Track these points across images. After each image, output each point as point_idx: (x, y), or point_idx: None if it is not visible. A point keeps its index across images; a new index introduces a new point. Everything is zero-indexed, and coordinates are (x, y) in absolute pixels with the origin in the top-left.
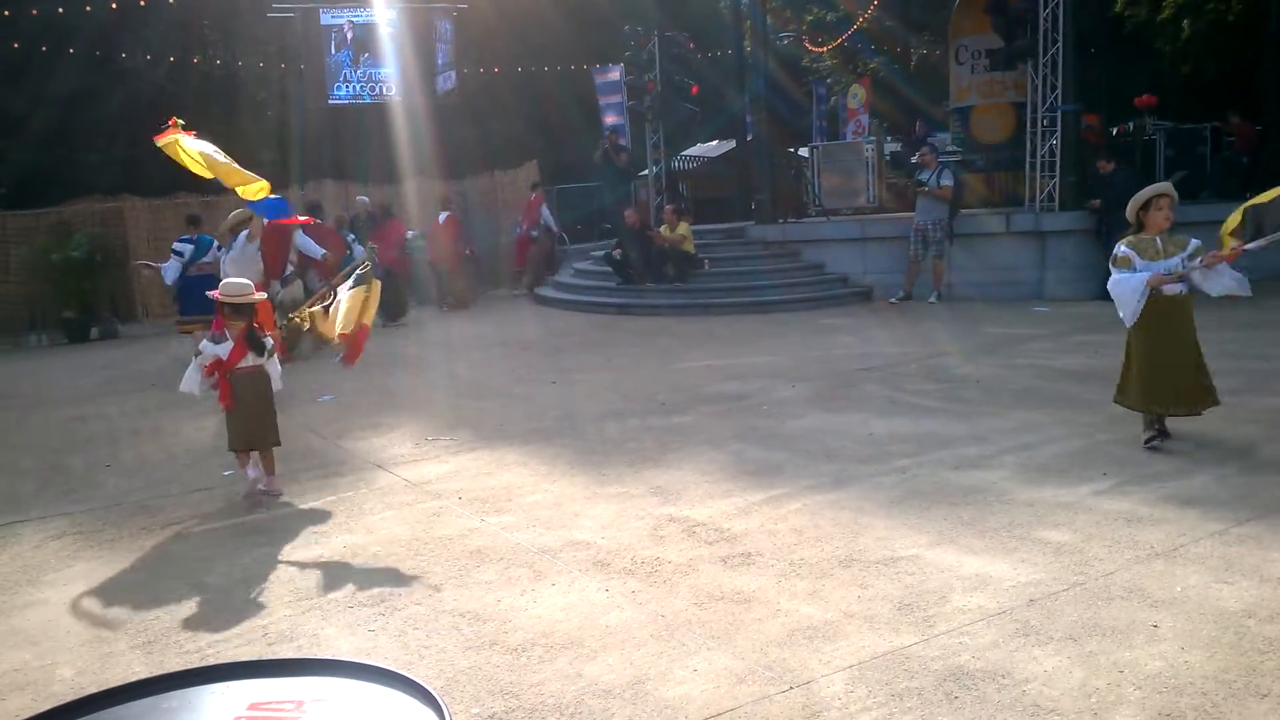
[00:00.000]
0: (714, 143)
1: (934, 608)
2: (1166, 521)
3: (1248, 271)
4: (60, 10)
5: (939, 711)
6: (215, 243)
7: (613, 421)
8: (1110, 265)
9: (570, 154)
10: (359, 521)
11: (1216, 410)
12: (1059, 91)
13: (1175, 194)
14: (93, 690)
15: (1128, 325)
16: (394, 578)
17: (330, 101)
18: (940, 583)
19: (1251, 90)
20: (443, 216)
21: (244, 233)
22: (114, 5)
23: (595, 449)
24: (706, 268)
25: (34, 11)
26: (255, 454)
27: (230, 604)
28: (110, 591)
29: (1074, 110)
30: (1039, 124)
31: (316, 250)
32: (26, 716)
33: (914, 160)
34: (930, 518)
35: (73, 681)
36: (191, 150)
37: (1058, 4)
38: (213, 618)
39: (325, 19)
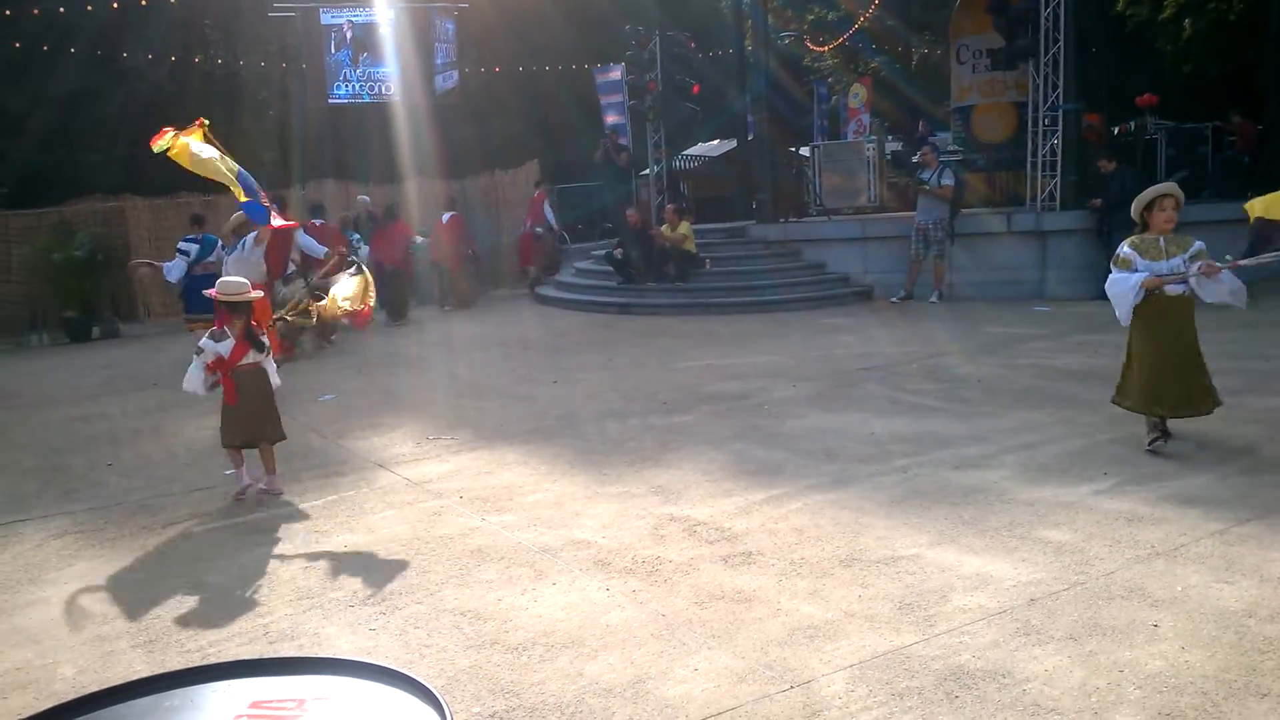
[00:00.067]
0: (715, 142)
1: (934, 607)
2: (1167, 521)
3: (1246, 273)
4: (61, 10)
5: (939, 711)
6: (220, 242)
7: (613, 421)
8: (1111, 265)
9: (571, 153)
10: (360, 521)
11: (1217, 410)
12: (1060, 91)
13: (1181, 195)
14: (94, 689)
15: (1123, 324)
16: (395, 577)
17: (330, 101)
18: (941, 582)
19: (1253, 89)
20: (446, 216)
21: (252, 235)
22: (115, 5)
23: (596, 448)
24: (707, 267)
25: (35, 11)
26: (245, 456)
27: (231, 603)
28: (111, 590)
29: (1075, 110)
30: (1040, 123)
31: (319, 250)
32: (28, 715)
33: (915, 160)
34: (931, 517)
35: (74, 680)
36: (199, 154)
37: (1059, 3)
38: (214, 616)
39: (325, 19)
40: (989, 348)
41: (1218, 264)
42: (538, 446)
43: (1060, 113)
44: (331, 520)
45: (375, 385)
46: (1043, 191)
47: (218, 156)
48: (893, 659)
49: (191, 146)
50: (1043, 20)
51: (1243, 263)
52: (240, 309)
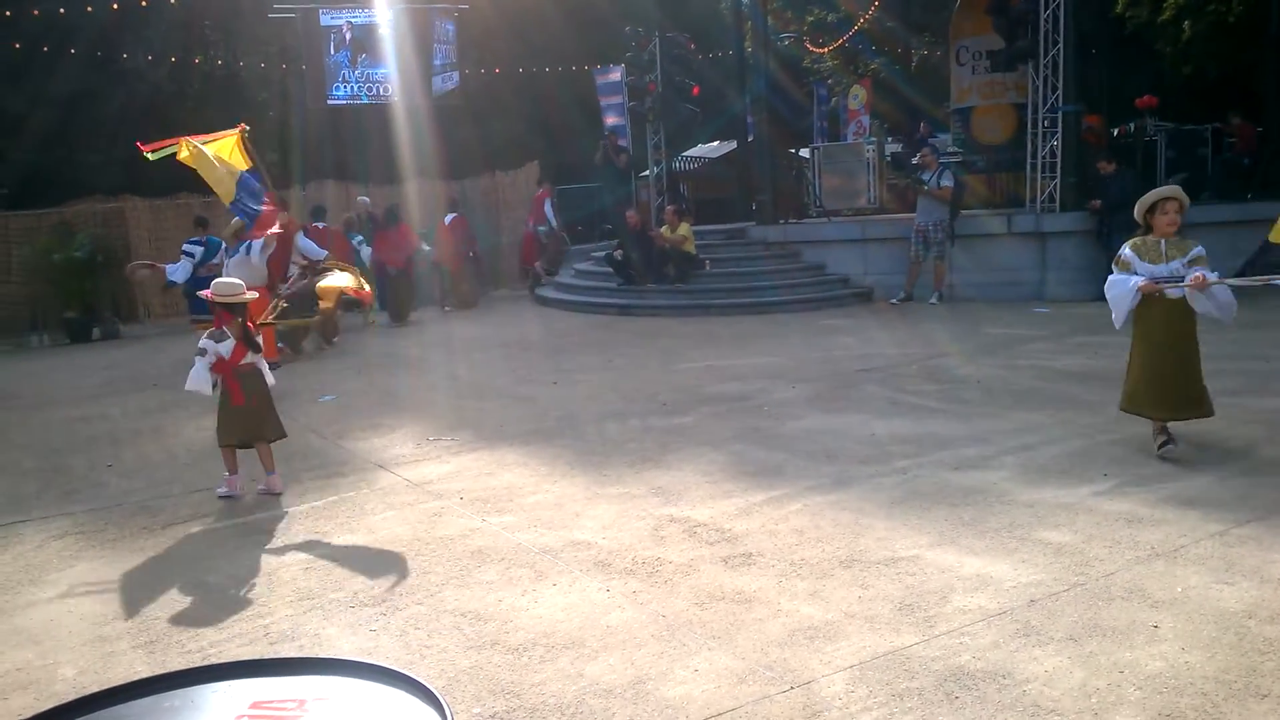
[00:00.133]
0: (715, 143)
1: (934, 608)
2: (1167, 522)
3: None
4: (61, 10)
5: (939, 711)
6: (223, 244)
7: (614, 422)
8: (1113, 266)
9: (571, 155)
10: (360, 521)
11: (1217, 411)
12: (1060, 92)
13: (1184, 198)
14: (94, 689)
15: (1116, 327)
16: (395, 578)
17: (329, 102)
18: (941, 583)
19: (1252, 91)
20: (450, 218)
21: (259, 241)
22: (115, 6)
23: (596, 449)
24: (707, 268)
25: (35, 12)
26: (239, 461)
27: (232, 603)
28: (112, 591)
29: (1075, 111)
30: (1040, 125)
31: (319, 253)
32: (29, 716)
33: (915, 161)
34: (931, 518)
35: (75, 681)
36: (205, 156)
37: (1059, 5)
38: (214, 617)
39: (325, 20)
40: (989, 349)
41: (1209, 278)
42: (538, 447)
43: (1060, 114)
44: (332, 521)
45: (375, 386)
46: (1042, 193)
47: (215, 162)
48: (893, 660)
49: (203, 151)
50: (1042, 22)
51: (1231, 282)
52: (236, 310)
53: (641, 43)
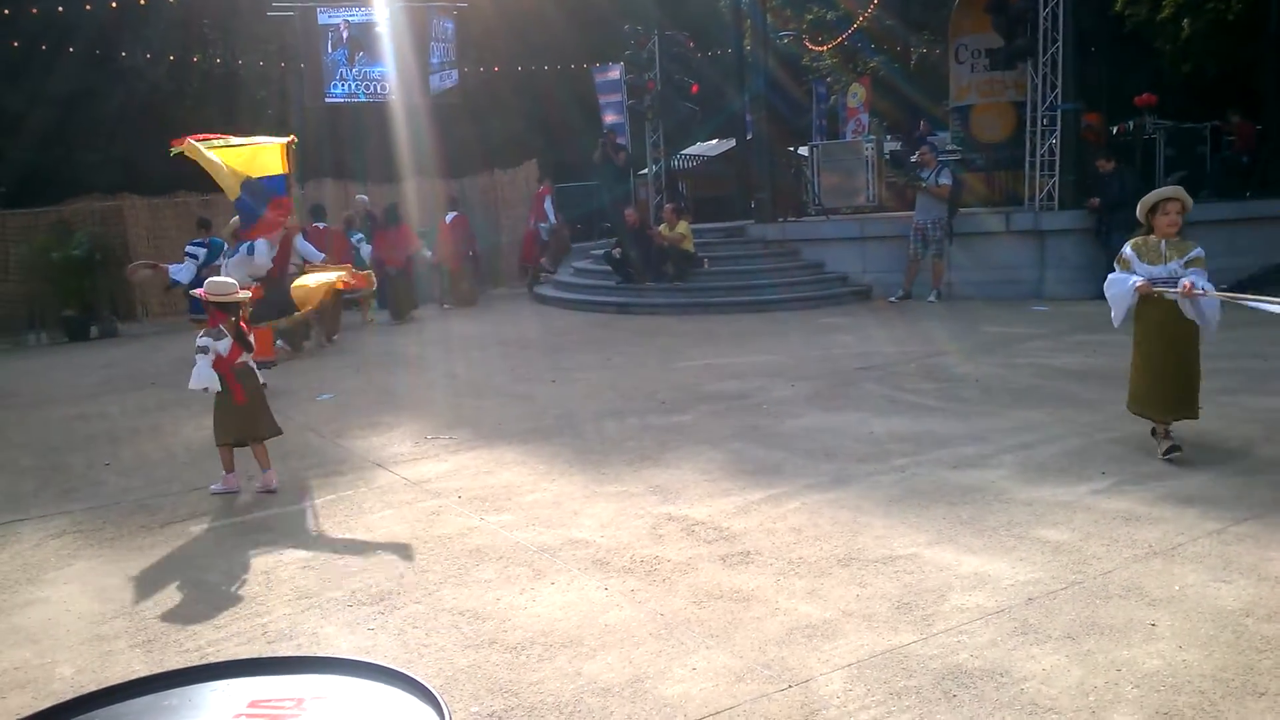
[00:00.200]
0: (714, 142)
1: (932, 606)
2: (1164, 520)
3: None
4: (60, 9)
5: (937, 710)
6: (225, 245)
7: (612, 420)
8: (1114, 264)
9: (570, 153)
10: (358, 520)
11: (1214, 410)
12: (1059, 90)
13: (1187, 199)
14: (93, 688)
15: (1114, 325)
16: (393, 576)
17: (327, 100)
18: (939, 581)
19: (1251, 89)
20: (450, 216)
21: (261, 241)
22: (114, 4)
23: (594, 448)
24: (706, 267)
25: (34, 10)
26: (236, 456)
27: (230, 602)
28: (110, 590)
29: (1074, 109)
30: (1039, 123)
31: (317, 255)
32: (26, 715)
33: (913, 159)
34: (929, 517)
35: (73, 680)
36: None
37: (1058, 3)
38: (212, 616)
39: (323, 18)
40: (987, 347)
41: (1197, 288)
42: (536, 446)
43: (1059, 112)
44: (330, 520)
45: (374, 384)
46: (1041, 191)
47: (222, 166)
48: (891, 658)
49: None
50: (1041, 20)
51: (1216, 295)
52: (230, 309)
53: (640, 41)
